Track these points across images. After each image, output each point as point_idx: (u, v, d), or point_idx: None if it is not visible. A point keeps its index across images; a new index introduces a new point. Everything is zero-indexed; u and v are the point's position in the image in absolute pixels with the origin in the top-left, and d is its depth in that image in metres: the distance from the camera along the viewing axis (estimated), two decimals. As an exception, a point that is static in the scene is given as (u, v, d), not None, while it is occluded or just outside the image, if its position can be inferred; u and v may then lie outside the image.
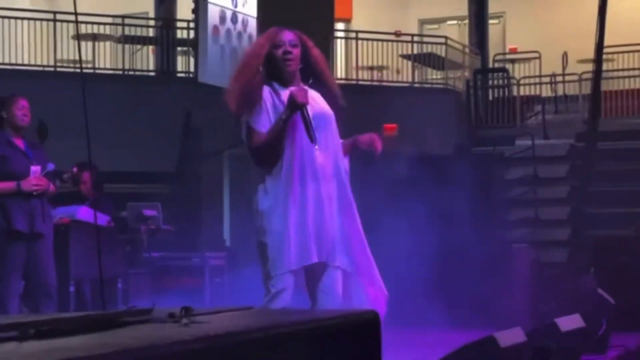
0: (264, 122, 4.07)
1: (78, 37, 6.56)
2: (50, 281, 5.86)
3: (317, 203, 4.05)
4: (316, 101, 4.17)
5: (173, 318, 1.55)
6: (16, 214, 5.69)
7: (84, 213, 7.05)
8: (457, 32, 17.98)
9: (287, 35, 4.19)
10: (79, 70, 13.32)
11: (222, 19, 12.79)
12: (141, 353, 1.19)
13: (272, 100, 4.10)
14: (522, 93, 15.63)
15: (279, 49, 4.14)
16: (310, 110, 4.11)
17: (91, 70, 13.30)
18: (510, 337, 4.60)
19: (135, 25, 14.07)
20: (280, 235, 4.01)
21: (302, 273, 4.10)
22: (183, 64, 14.25)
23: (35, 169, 5.79)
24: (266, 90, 4.12)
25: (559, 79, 15.60)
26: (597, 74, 7.79)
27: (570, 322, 5.43)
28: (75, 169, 6.29)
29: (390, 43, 15.25)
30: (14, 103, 5.86)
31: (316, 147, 4.07)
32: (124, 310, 1.59)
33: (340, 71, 15.74)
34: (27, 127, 5.96)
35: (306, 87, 4.11)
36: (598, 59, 7.65)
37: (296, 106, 4.02)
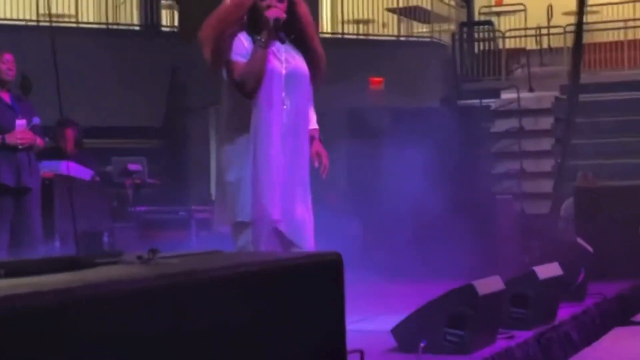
0: (242, 52, 4.01)
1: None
2: (35, 235, 5.92)
3: (284, 161, 4.01)
4: (294, 58, 4.11)
5: (141, 259, 1.61)
6: (2, 168, 5.73)
7: (67, 167, 7.07)
8: (443, -15, 17.94)
9: None
10: (62, 25, 13.29)
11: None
12: (106, 288, 1.25)
13: (250, 44, 4.02)
14: (507, 46, 15.64)
15: (264, 0, 4.04)
16: (285, 67, 4.06)
17: (74, 25, 13.24)
18: (489, 285, 4.68)
19: (119, -21, 13.99)
20: (246, 187, 3.98)
21: (270, 234, 4.11)
22: (167, 18, 14.19)
23: (20, 122, 5.83)
24: (244, 34, 4.05)
25: (544, 31, 15.61)
26: (579, 26, 7.82)
27: (548, 270, 5.52)
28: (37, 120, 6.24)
29: (376, -4, 15.22)
30: None
31: (285, 106, 4.03)
32: (95, 253, 1.65)
33: (326, 25, 15.70)
34: (12, 81, 5.98)
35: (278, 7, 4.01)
36: (580, 11, 7.67)
37: (271, 24, 3.97)
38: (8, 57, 5.93)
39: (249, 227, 3.98)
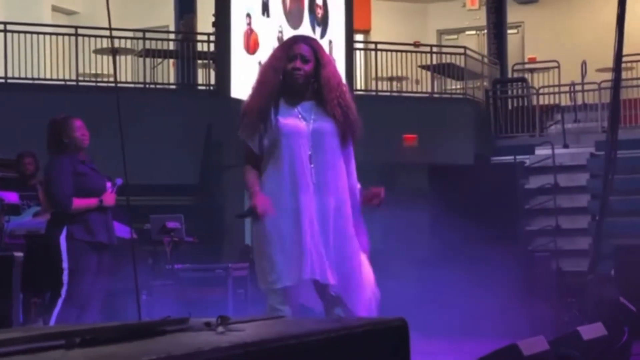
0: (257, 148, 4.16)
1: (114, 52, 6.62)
2: (103, 286, 6.07)
3: (311, 220, 4.06)
4: (319, 116, 4.18)
5: (209, 326, 1.60)
6: (98, 228, 5.90)
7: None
8: (476, 42, 18.02)
9: (301, 49, 4.20)
10: (100, 85, 13.48)
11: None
12: (183, 359, 1.25)
13: (272, 122, 4.14)
14: (541, 102, 15.63)
15: (290, 63, 4.16)
16: (311, 126, 4.15)
17: (112, 84, 13.42)
18: (533, 345, 4.63)
19: (156, 39, 14.17)
20: (274, 248, 4.06)
21: (304, 287, 4.12)
22: (203, 76, 14.34)
23: (109, 184, 5.98)
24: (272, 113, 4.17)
25: (578, 88, 15.59)
26: (617, 82, 7.82)
27: (592, 331, 5.45)
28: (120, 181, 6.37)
29: (409, 54, 15.28)
30: (71, 126, 5.94)
31: (312, 165, 4.10)
32: (161, 319, 1.66)
33: (359, 82, 15.79)
34: (87, 146, 6.07)
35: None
36: (617, 68, 7.68)
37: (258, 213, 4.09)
38: (78, 123, 5.98)
39: (281, 289, 4.03)
